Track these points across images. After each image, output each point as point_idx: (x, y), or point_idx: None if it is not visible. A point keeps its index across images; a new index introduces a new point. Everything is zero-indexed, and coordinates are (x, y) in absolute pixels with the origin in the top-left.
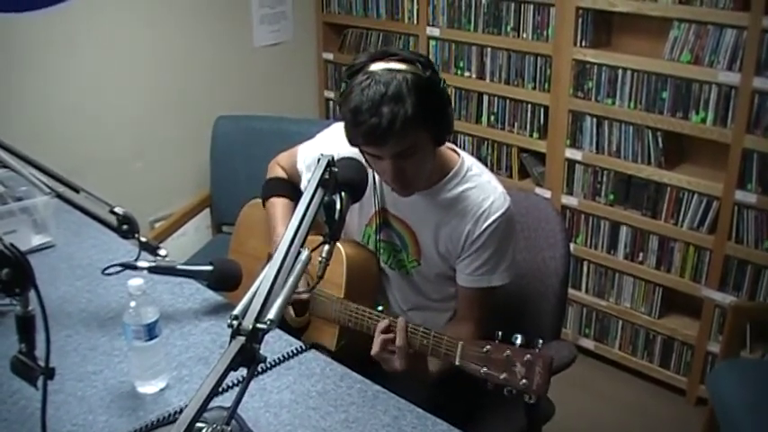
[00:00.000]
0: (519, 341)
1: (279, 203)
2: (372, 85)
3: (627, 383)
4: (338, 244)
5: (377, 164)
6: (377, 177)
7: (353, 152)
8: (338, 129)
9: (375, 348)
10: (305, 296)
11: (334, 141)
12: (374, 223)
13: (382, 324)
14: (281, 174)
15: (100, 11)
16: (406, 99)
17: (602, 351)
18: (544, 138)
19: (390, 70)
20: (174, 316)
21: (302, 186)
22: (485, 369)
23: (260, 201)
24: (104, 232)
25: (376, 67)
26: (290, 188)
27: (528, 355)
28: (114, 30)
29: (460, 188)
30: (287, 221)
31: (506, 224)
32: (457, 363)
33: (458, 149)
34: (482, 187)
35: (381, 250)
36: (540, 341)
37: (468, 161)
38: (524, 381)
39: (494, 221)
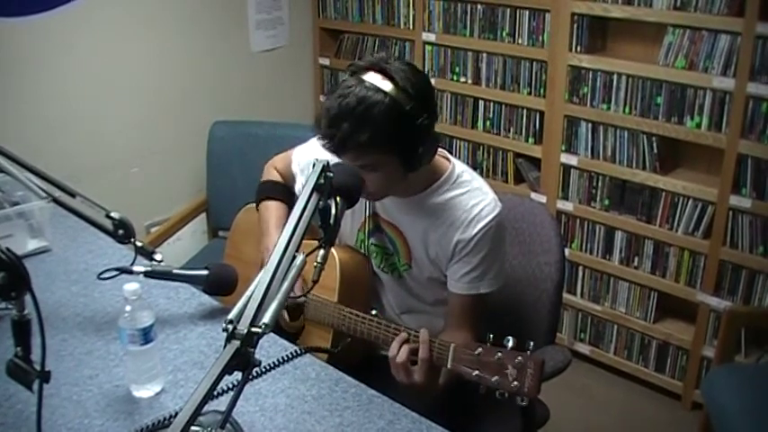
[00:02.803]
0: (510, 344)
1: (272, 207)
2: (349, 96)
3: (622, 388)
4: (331, 249)
5: None
6: None
7: None
8: None
9: (401, 357)
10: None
11: None
12: (365, 228)
13: (403, 335)
14: (276, 176)
15: (97, 17)
16: (370, 124)
17: (597, 356)
18: (539, 143)
19: (372, 87)
20: (169, 320)
21: (296, 189)
22: (476, 372)
23: (254, 206)
24: (100, 237)
25: (368, 77)
26: (284, 191)
27: (519, 358)
28: (111, 35)
29: (450, 194)
30: (279, 225)
31: (496, 230)
32: (449, 366)
33: (449, 156)
34: (472, 193)
35: (374, 254)
36: (531, 343)
37: (458, 168)
38: (516, 383)
39: (484, 227)
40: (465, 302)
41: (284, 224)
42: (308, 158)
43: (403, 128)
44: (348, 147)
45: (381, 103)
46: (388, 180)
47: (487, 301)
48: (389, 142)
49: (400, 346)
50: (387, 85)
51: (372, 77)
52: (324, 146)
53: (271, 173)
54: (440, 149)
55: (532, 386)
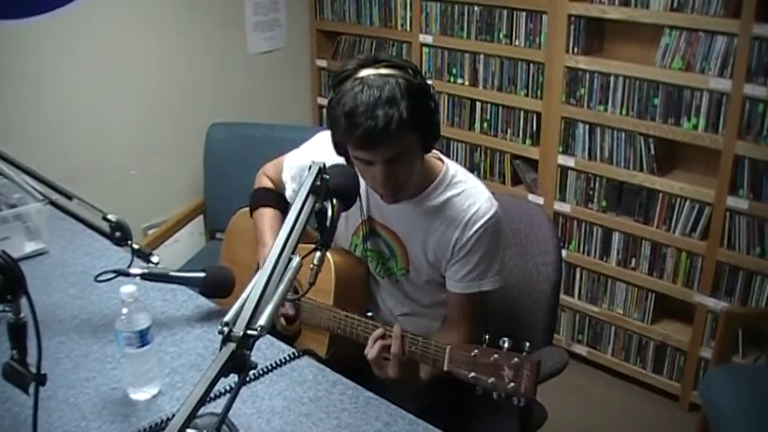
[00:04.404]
0: (506, 345)
1: (267, 214)
2: (365, 90)
3: (620, 389)
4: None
5: (367, 170)
6: (362, 187)
7: (339, 161)
8: (322, 138)
9: (373, 353)
10: (290, 310)
11: (319, 151)
12: (360, 232)
13: (378, 331)
14: (269, 184)
15: (96, 19)
16: (400, 102)
17: (594, 357)
18: (537, 144)
19: (382, 75)
20: (166, 323)
21: (287, 195)
22: (473, 373)
23: (249, 209)
24: (97, 239)
25: (365, 73)
26: (277, 198)
27: (515, 359)
28: (109, 38)
29: (446, 195)
30: (275, 232)
31: (494, 228)
32: (445, 368)
33: (442, 157)
34: (468, 193)
35: (369, 258)
36: (528, 344)
37: (452, 168)
38: (512, 384)
39: (481, 226)
40: (465, 300)
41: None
42: (298, 165)
43: (422, 100)
44: (391, 130)
45: (398, 83)
46: (412, 169)
47: (488, 299)
48: (417, 117)
49: (374, 343)
50: (388, 71)
51: (369, 71)
52: (361, 143)
53: (263, 181)
54: (433, 151)
55: (528, 387)
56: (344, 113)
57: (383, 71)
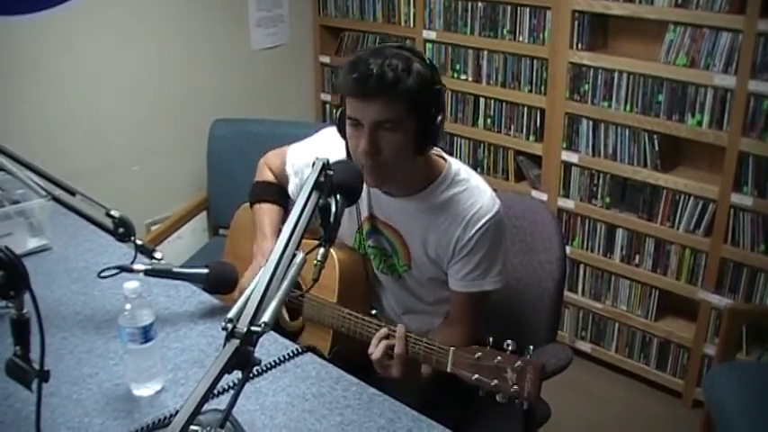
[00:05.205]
0: (511, 347)
1: (266, 209)
2: (376, 54)
3: (623, 386)
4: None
5: (354, 135)
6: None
7: (343, 157)
8: (327, 134)
9: (377, 354)
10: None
11: (324, 147)
12: (363, 230)
13: (383, 331)
14: (270, 177)
15: (97, 16)
16: (404, 73)
17: (598, 353)
18: (540, 141)
19: (400, 52)
20: (169, 319)
21: (289, 190)
22: (476, 376)
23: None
24: (101, 235)
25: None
26: (278, 192)
27: (519, 362)
28: (111, 34)
29: (449, 193)
30: (274, 228)
31: (496, 227)
32: (448, 370)
33: (445, 155)
34: (470, 191)
35: (372, 256)
36: (532, 347)
37: (455, 166)
38: (515, 387)
39: (483, 225)
40: (466, 299)
41: (279, 227)
42: (303, 160)
43: (430, 90)
44: (386, 81)
45: (413, 64)
46: (401, 148)
47: (490, 297)
48: (418, 99)
49: (378, 343)
50: (410, 54)
51: (395, 49)
52: (354, 87)
53: (264, 173)
54: (436, 149)
55: (532, 391)
56: (349, 62)
57: (403, 52)
